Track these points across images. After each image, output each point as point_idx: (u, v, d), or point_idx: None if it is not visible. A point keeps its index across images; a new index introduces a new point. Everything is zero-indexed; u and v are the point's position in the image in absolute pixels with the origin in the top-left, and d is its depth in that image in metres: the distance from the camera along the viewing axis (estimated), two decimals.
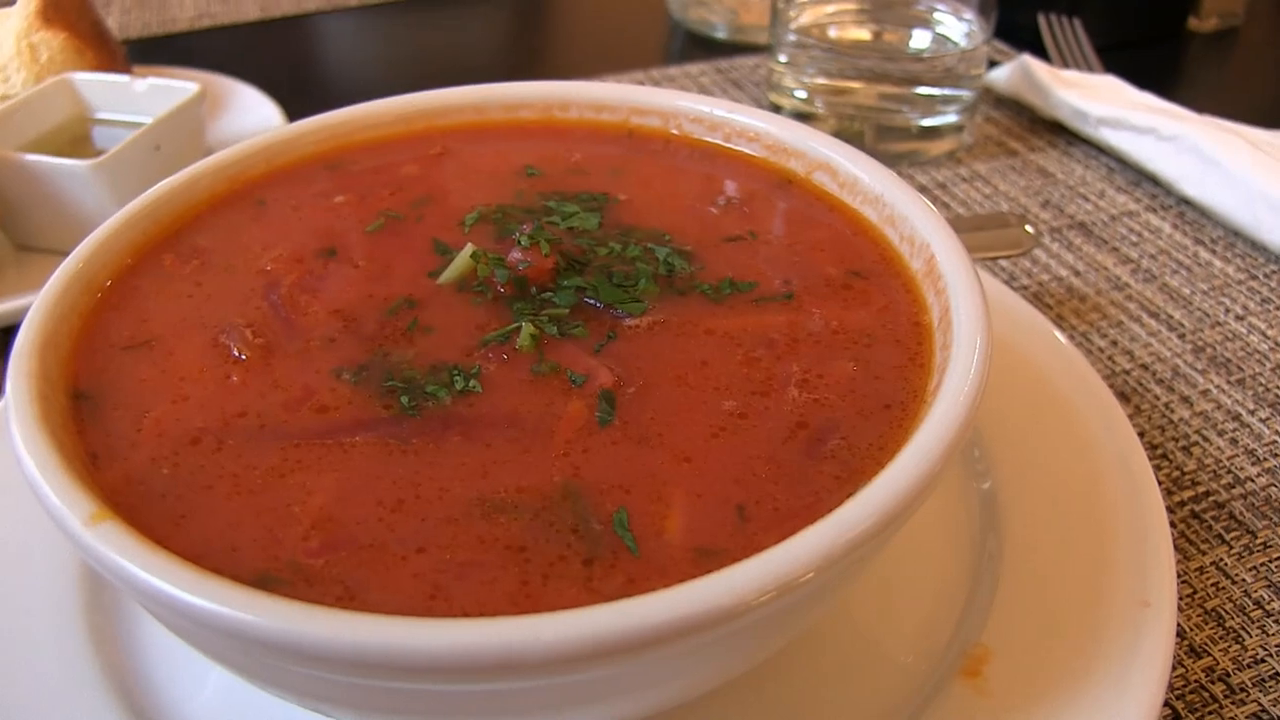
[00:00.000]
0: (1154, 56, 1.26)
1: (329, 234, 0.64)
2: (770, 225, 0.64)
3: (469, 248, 0.59)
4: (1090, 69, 1.14)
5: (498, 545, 0.43)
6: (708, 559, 0.43)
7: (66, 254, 0.99)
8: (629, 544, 0.43)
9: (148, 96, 0.99)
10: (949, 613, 0.58)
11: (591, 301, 0.56)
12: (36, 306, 0.55)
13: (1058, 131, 1.10)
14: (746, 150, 0.70)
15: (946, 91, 1.06)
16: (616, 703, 0.45)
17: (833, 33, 1.11)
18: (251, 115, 1.09)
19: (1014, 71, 1.11)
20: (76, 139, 1.00)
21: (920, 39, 1.09)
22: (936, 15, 1.08)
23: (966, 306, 0.53)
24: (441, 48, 1.45)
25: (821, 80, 1.10)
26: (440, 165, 0.71)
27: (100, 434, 0.50)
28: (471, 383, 0.51)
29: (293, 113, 1.08)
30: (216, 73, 1.15)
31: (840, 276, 0.59)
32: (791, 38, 1.11)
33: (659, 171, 0.70)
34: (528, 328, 0.54)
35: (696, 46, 1.40)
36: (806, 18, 1.11)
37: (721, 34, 1.40)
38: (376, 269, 0.61)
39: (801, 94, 1.12)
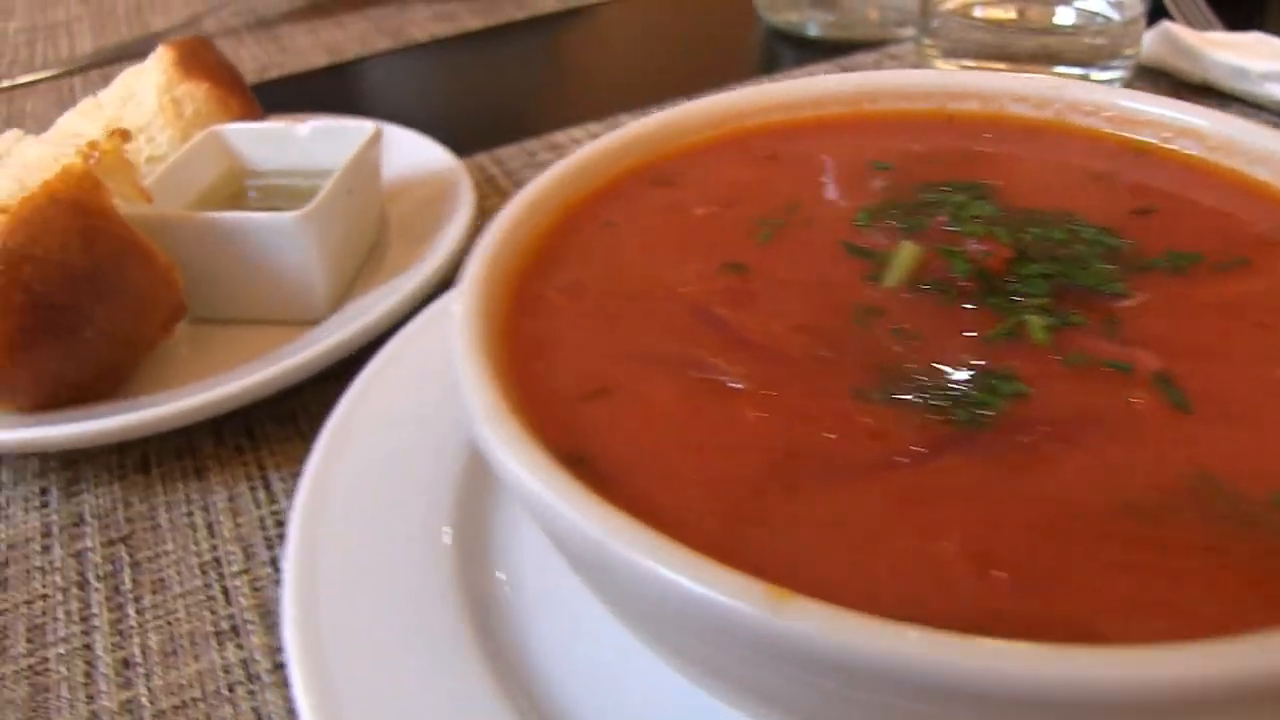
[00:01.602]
0: (1237, 14, 1.32)
1: (717, 248, 0.58)
2: (1159, 195, 0.62)
3: (907, 245, 0.54)
4: (1213, 29, 1.18)
5: (1193, 550, 0.39)
6: None
7: (255, 322, 0.89)
8: None
9: (310, 141, 0.89)
10: None
11: (1080, 286, 0.52)
12: (464, 369, 0.47)
13: (1206, 94, 1.13)
14: (1085, 124, 0.68)
15: (1101, 71, 1.07)
16: None
17: (979, 13, 1.11)
18: (404, 153, 1.00)
19: (1155, 39, 1.13)
20: (234, 195, 0.89)
21: (1065, 16, 1.10)
22: None
23: None
24: (526, 73, 1.38)
25: (972, 63, 1.10)
26: (778, 167, 0.66)
27: (630, 500, 0.43)
28: (1016, 384, 0.47)
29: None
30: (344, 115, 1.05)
31: (1271, 233, 0.58)
32: (936, 23, 1.10)
33: (1010, 154, 0.67)
34: (1035, 320, 0.50)
35: (788, 46, 1.38)
36: (954, 0, 1.10)
37: (813, 32, 1.38)
38: (799, 279, 0.55)
39: None
